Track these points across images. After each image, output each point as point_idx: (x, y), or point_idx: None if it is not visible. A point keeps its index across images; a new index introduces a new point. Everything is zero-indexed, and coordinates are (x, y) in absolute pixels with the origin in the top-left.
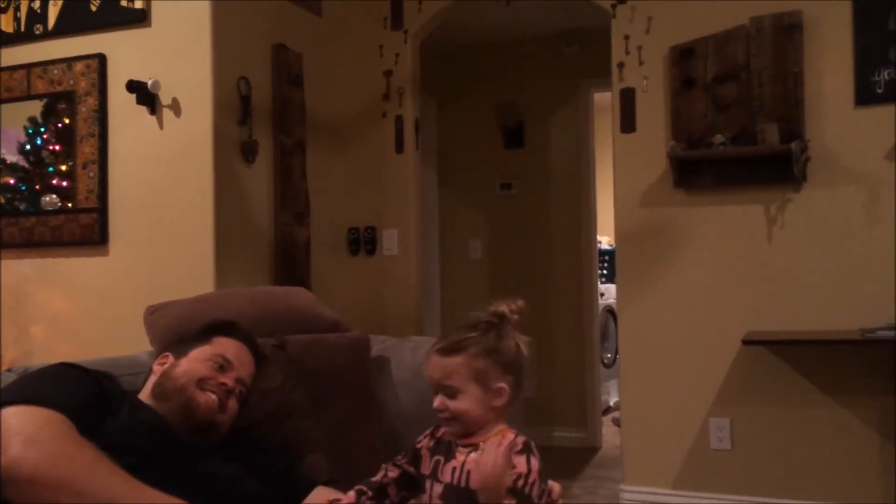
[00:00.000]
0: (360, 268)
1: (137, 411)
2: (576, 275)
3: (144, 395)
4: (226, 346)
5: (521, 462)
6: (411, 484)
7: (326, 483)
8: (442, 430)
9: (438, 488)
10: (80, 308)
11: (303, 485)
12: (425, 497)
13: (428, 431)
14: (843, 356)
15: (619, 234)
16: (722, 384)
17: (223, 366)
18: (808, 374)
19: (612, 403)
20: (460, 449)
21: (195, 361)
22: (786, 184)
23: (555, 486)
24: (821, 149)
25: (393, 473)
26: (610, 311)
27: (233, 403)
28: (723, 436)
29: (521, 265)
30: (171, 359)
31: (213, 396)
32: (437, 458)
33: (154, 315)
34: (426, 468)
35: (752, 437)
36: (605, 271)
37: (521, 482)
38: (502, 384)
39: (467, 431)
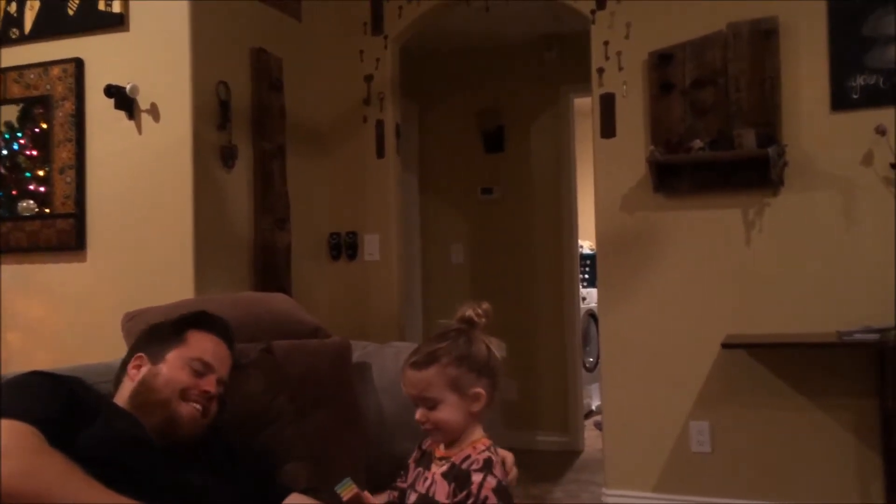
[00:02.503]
0: (341, 273)
1: (113, 420)
2: (557, 279)
3: (121, 400)
4: (202, 343)
5: (476, 479)
6: None
7: (305, 491)
8: (428, 441)
9: (413, 497)
10: (57, 315)
11: (281, 493)
12: None
13: (418, 445)
14: (821, 359)
15: (600, 239)
16: (702, 387)
17: (202, 370)
18: (786, 377)
19: (593, 407)
20: (436, 461)
21: (175, 369)
22: (763, 188)
23: (507, 455)
24: (798, 154)
25: (392, 496)
26: (591, 314)
27: (214, 406)
28: (703, 439)
29: (503, 270)
30: (145, 360)
31: (197, 406)
32: (419, 469)
33: (132, 322)
34: (411, 479)
35: (732, 440)
36: (586, 275)
37: (470, 501)
38: (478, 389)
39: (450, 439)
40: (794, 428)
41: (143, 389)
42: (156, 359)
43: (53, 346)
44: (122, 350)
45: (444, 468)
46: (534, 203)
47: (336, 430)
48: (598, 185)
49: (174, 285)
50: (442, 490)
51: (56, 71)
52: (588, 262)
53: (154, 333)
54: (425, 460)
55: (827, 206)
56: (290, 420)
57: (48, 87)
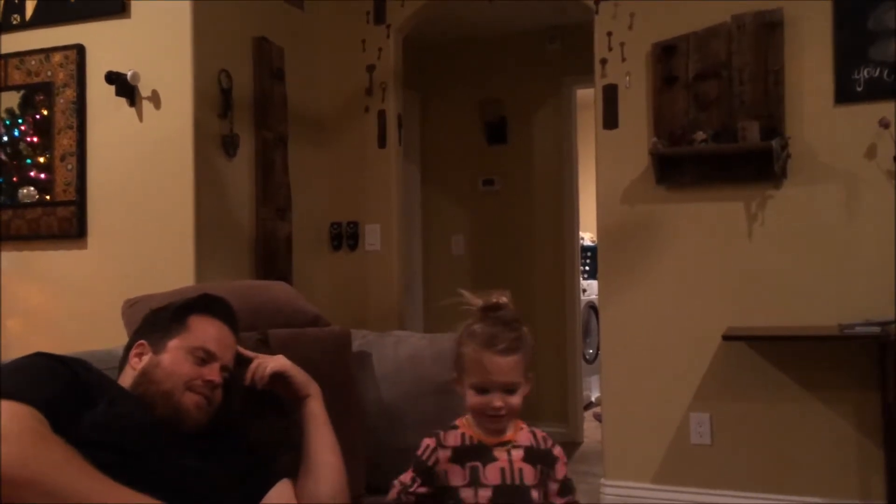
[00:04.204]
0: (342, 263)
1: (116, 404)
2: (558, 271)
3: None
4: (205, 330)
5: (559, 452)
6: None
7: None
8: (452, 437)
9: (486, 492)
10: (57, 302)
11: (276, 482)
12: None
13: (431, 445)
14: (822, 352)
15: (601, 231)
16: (702, 379)
17: (205, 358)
18: (787, 370)
19: (593, 399)
20: (497, 449)
21: (177, 360)
22: (766, 181)
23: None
24: (801, 146)
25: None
26: (592, 307)
27: (219, 393)
28: (703, 430)
29: (504, 261)
30: (147, 348)
31: (202, 398)
32: (471, 464)
33: (132, 308)
34: (458, 479)
35: (732, 432)
36: (587, 267)
37: (565, 469)
38: (531, 374)
39: (508, 425)
40: (794, 421)
41: (145, 380)
42: (157, 347)
43: (53, 333)
44: (122, 337)
45: (521, 453)
46: (535, 194)
47: (334, 418)
48: (600, 176)
49: (174, 273)
50: (529, 474)
51: (57, 57)
52: (589, 254)
53: (156, 319)
54: (474, 454)
55: (829, 200)
56: (287, 409)
57: (49, 73)
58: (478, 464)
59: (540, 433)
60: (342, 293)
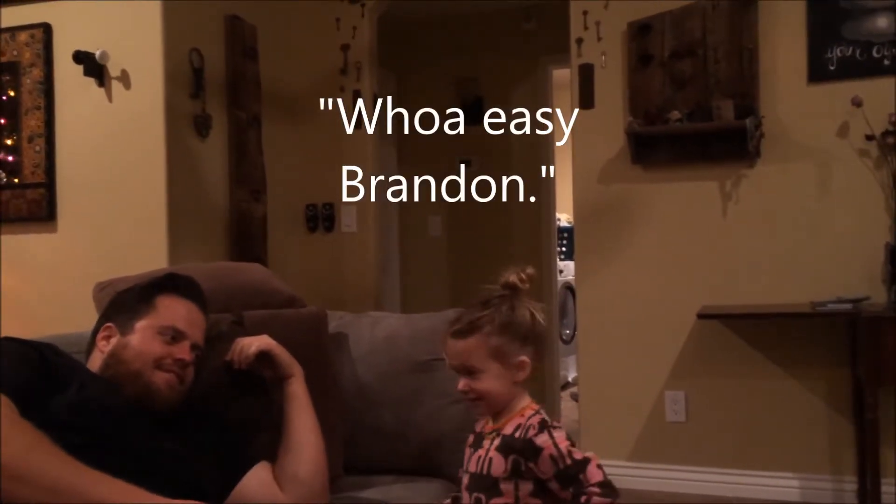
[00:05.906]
0: (318, 245)
1: (86, 386)
2: (535, 252)
3: (92, 369)
4: (172, 309)
5: (544, 442)
6: None
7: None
8: (480, 423)
9: (466, 480)
10: (28, 286)
11: (252, 463)
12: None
13: (476, 429)
14: (795, 329)
15: (578, 210)
16: (677, 358)
17: (175, 336)
18: (760, 348)
19: (570, 379)
20: (487, 437)
21: (146, 340)
22: (740, 160)
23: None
24: (774, 125)
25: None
26: (568, 287)
27: (190, 372)
28: (678, 408)
29: (481, 242)
30: (114, 331)
31: (173, 376)
32: (469, 450)
33: (104, 292)
34: (464, 464)
35: (706, 410)
36: (563, 248)
37: (560, 462)
38: (523, 357)
39: (495, 409)
40: (767, 397)
41: (114, 362)
42: (125, 329)
43: (24, 317)
44: (93, 320)
45: (497, 443)
46: (512, 175)
47: (312, 399)
48: (577, 156)
49: (147, 256)
50: (498, 465)
51: (23, 36)
52: (566, 234)
53: (122, 301)
54: (477, 441)
55: (802, 178)
56: (263, 390)
57: (15, 53)
58: (472, 451)
59: (527, 422)
60: (318, 274)
